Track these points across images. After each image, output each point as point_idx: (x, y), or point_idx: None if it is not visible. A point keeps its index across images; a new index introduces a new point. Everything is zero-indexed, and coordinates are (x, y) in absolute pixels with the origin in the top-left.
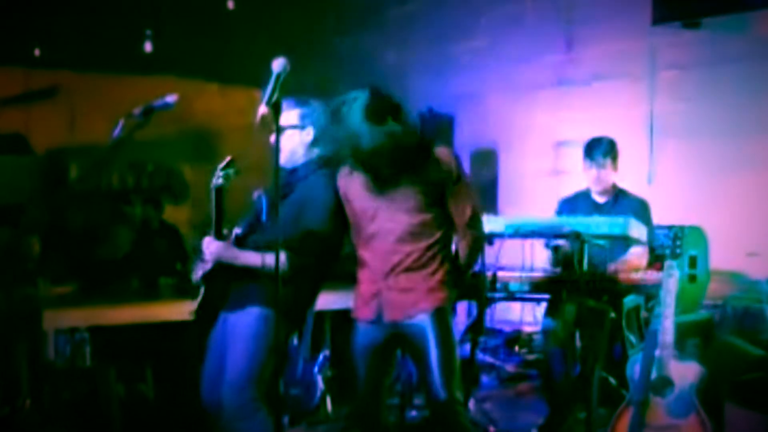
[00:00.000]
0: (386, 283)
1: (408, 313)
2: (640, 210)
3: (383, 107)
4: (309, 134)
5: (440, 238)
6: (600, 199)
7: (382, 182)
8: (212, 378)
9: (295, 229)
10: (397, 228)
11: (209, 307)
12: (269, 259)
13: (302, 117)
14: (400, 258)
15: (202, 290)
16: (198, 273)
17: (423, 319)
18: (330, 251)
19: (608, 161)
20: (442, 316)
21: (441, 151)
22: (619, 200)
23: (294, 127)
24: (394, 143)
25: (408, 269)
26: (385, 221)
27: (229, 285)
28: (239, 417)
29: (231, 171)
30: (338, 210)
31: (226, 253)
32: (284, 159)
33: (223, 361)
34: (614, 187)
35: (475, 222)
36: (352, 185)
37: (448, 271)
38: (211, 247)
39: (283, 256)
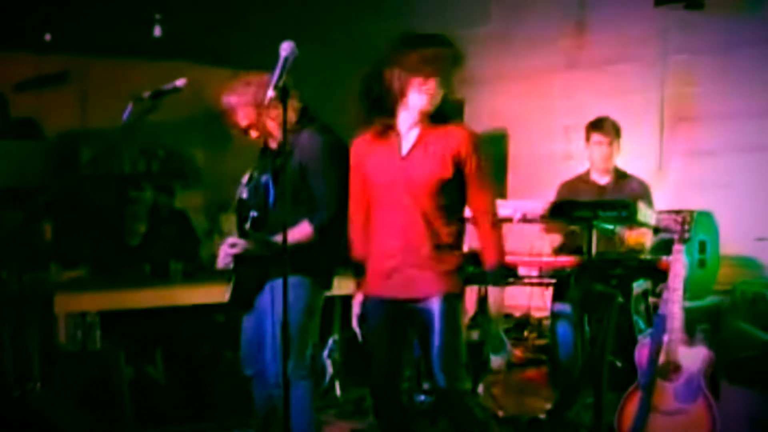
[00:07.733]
0: (401, 260)
1: (420, 293)
2: (642, 192)
3: None
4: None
5: (457, 221)
6: (601, 180)
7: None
8: (253, 350)
9: (302, 187)
10: (416, 203)
11: (243, 292)
12: (295, 234)
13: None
14: (416, 235)
15: (234, 276)
16: (225, 261)
17: (433, 303)
18: (344, 202)
19: (615, 139)
20: (452, 302)
21: (463, 129)
22: (621, 181)
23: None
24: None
25: (424, 248)
26: (404, 194)
27: (259, 269)
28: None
29: None
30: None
31: (255, 249)
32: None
33: (262, 333)
34: (615, 168)
35: (495, 211)
36: (374, 152)
37: (463, 256)
38: (238, 246)
39: (307, 225)
